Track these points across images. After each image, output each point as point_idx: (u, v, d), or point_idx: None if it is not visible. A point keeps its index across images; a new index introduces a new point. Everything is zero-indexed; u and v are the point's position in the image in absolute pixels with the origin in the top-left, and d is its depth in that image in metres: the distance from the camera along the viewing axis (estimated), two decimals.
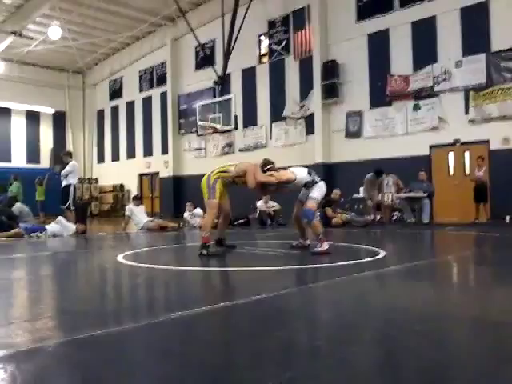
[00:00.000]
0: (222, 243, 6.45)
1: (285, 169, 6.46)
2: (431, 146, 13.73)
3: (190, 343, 2.37)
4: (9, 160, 23.16)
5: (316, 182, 6.18)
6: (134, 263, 5.33)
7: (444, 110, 13.43)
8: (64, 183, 10.85)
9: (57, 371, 2.01)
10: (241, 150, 18.44)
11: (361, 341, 2.36)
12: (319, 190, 6.18)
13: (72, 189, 10.84)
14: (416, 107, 13.94)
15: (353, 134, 15.36)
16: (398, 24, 14.30)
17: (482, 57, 12.69)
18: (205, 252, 5.80)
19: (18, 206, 11.20)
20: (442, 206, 13.01)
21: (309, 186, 6.15)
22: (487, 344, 2.29)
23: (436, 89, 13.51)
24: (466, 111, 13.03)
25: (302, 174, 6.21)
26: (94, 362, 2.10)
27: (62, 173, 10.88)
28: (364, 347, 2.26)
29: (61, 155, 12.11)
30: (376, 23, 14.82)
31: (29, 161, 23.93)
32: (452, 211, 12.93)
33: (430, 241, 8.96)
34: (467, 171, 13.20)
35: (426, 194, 12.27)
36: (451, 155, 13.53)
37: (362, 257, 5.55)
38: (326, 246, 5.85)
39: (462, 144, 13.18)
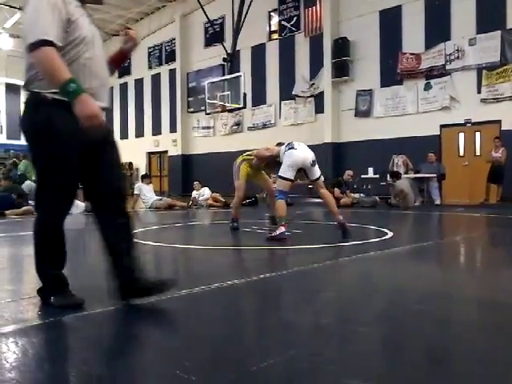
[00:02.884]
0: (274, 221, 6.37)
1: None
2: (442, 126, 13.59)
3: (196, 319, 2.40)
4: (18, 138, 23.21)
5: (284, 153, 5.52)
6: (142, 241, 5.37)
7: (456, 89, 13.24)
8: None
9: (67, 346, 2.04)
10: (249, 129, 18.35)
11: (364, 320, 2.38)
12: (285, 162, 5.43)
13: None
14: (427, 86, 13.75)
15: (363, 113, 15.21)
16: (411, 0, 14.01)
17: (497, 34, 12.43)
18: (234, 225, 6.41)
19: (27, 184, 11.28)
20: (452, 187, 12.92)
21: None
22: (490, 324, 2.29)
23: (448, 67, 13.30)
24: (478, 91, 12.84)
25: (283, 148, 5.64)
26: (104, 337, 2.13)
27: None
28: (367, 326, 2.27)
29: None
30: None
31: None
32: (461, 192, 12.85)
33: (438, 222, 8.93)
34: (478, 152, 13.07)
35: (434, 175, 12.19)
36: (462, 135, 13.38)
37: (369, 237, 5.54)
38: (280, 230, 5.20)
39: (473, 124, 13.02)
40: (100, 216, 2.56)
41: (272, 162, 6.15)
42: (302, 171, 5.53)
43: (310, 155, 5.47)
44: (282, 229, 5.20)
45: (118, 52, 2.90)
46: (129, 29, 2.84)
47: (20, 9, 18.64)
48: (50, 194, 2.42)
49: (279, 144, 6.14)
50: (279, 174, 5.48)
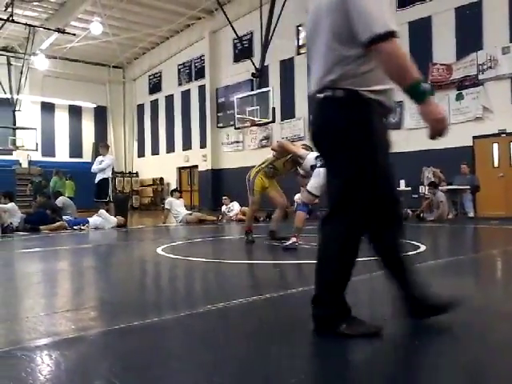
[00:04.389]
0: (274, 235, 6.52)
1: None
2: (475, 137, 13.30)
3: (226, 335, 2.38)
4: (53, 155, 23.87)
5: (315, 168, 5.70)
6: (173, 255, 5.41)
7: (489, 100, 12.96)
8: (102, 176, 10.98)
9: (98, 359, 2.05)
10: None
11: (396, 335, 2.32)
12: (316, 179, 5.55)
13: (110, 182, 11.08)
14: (459, 97, 13.51)
15: (393, 125, 14.98)
16: (441, 11, 13.86)
17: None
18: (249, 238, 6.46)
19: (61, 199, 11.53)
20: (486, 199, 12.59)
21: (313, 169, 5.72)
22: None
23: (480, 77, 13.05)
24: None
25: (311, 155, 5.85)
26: (134, 351, 2.13)
27: (101, 167, 11.00)
28: (400, 340, 2.21)
29: (99, 146, 12.19)
30: (418, 10, 14.41)
31: (72, 155, 24.61)
32: (497, 204, 12.50)
33: (472, 235, 8.70)
34: None
35: (468, 187, 11.91)
36: (496, 146, 13.07)
37: None
38: (291, 241, 5.62)
39: (508, 134, 12.71)
40: (380, 228, 2.35)
41: (293, 159, 6.32)
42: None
43: None
44: (294, 239, 5.61)
45: None
46: None
47: (55, 30, 19.26)
48: (357, 202, 2.17)
49: (305, 146, 6.24)
50: (308, 188, 5.63)
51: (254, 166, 6.80)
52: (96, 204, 11.15)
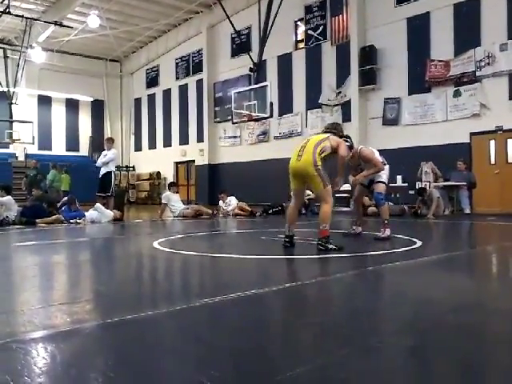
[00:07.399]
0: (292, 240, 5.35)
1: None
2: (472, 134, 13.31)
3: (222, 328, 2.39)
4: (49, 148, 23.80)
5: (385, 164, 6.30)
6: (169, 249, 5.41)
7: (486, 96, 12.97)
8: (105, 170, 10.99)
9: (93, 352, 2.06)
10: (276, 138, 18.36)
11: (392, 331, 2.33)
12: (386, 173, 6.33)
13: (113, 176, 11.07)
14: (457, 93, 13.52)
15: (390, 121, 15.05)
16: (439, 7, 13.84)
17: None
18: (332, 246, 4.89)
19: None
20: (483, 196, 12.63)
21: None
22: None
23: (478, 74, 13.05)
24: (510, 97, 12.55)
25: (377, 153, 6.36)
26: (129, 344, 2.14)
27: (104, 160, 11.00)
28: (395, 337, 2.22)
29: (104, 140, 12.23)
30: (416, 6, 14.39)
31: (68, 149, 24.54)
32: (493, 201, 12.54)
33: (468, 231, 8.72)
34: (510, 159, 12.76)
35: (465, 184, 11.93)
36: (493, 143, 13.09)
37: (397, 246, 5.45)
38: (388, 232, 6.01)
39: (505, 131, 12.73)
40: None
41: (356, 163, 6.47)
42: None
43: None
44: (388, 230, 6.04)
45: None
46: None
47: (52, 23, 19.15)
48: None
49: (345, 137, 5.68)
50: (383, 179, 6.26)
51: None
52: (94, 197, 11.15)
